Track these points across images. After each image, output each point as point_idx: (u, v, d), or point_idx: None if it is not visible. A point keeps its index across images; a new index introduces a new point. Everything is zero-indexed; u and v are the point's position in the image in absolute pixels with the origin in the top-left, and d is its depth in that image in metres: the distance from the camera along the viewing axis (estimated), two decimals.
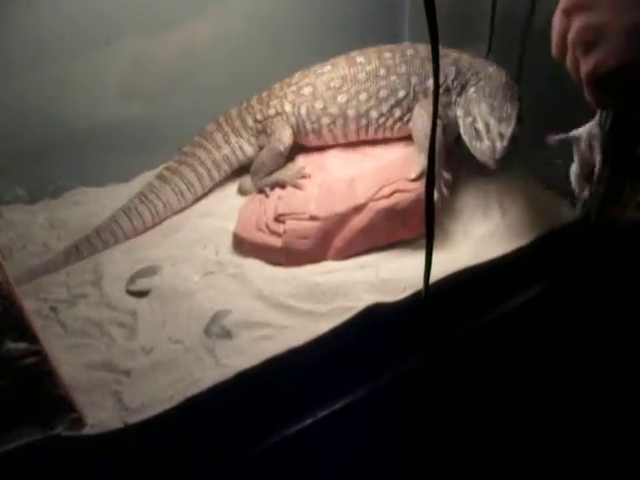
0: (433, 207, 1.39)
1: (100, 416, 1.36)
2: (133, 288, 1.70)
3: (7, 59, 1.83)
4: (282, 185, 1.87)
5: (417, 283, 1.57)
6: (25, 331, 1.26)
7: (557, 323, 1.84)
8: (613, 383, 1.92)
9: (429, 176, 1.33)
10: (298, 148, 2.00)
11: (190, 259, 1.78)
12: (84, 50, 1.92)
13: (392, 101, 1.85)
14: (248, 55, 2.15)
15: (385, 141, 1.92)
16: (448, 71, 1.81)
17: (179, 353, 1.52)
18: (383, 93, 1.85)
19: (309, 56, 2.06)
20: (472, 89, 1.76)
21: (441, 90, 1.80)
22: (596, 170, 1.42)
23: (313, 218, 1.73)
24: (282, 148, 1.92)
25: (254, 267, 1.74)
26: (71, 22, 1.86)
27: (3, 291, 1.25)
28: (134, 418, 1.34)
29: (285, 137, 1.92)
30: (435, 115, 1.24)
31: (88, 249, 1.84)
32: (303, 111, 1.91)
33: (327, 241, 1.74)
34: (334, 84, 1.88)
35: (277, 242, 1.74)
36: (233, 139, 2.02)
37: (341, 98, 1.87)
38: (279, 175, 1.88)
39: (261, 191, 1.90)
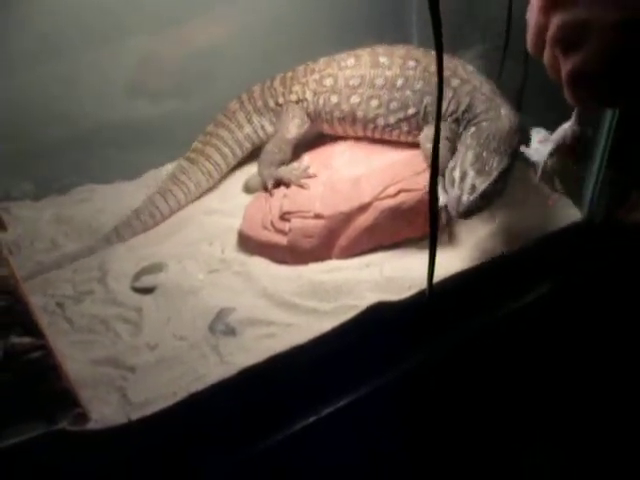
0: (437, 207, 1.39)
1: (104, 411, 1.37)
2: (138, 285, 1.71)
3: (13, 56, 1.84)
4: (286, 184, 1.87)
5: (422, 282, 1.56)
6: (30, 326, 1.27)
7: (560, 323, 1.84)
8: (615, 384, 1.92)
9: (432, 177, 1.34)
10: (304, 146, 2.01)
11: (196, 256, 1.79)
12: (90, 47, 1.93)
13: (401, 115, 1.84)
14: (256, 53, 2.15)
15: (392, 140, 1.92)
16: (462, 101, 1.78)
17: (183, 350, 1.53)
18: (394, 105, 1.85)
19: (317, 53, 2.08)
20: (473, 129, 1.74)
21: (450, 119, 1.79)
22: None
23: (318, 216, 1.73)
24: (289, 137, 1.94)
25: (259, 265, 1.75)
26: (77, 19, 1.87)
27: (9, 287, 1.26)
28: (138, 413, 1.35)
29: (293, 127, 1.94)
30: (439, 112, 1.23)
31: (128, 232, 1.91)
32: (321, 101, 1.93)
33: (332, 240, 1.74)
34: (352, 82, 1.89)
35: (282, 240, 1.75)
36: (255, 118, 2.04)
37: (354, 99, 1.88)
38: (285, 173, 1.89)
39: (265, 189, 1.91)
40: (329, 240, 1.74)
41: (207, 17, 2.07)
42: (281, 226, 1.76)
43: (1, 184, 1.94)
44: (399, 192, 1.75)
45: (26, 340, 1.26)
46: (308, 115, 1.96)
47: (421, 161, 1.82)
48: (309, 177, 1.86)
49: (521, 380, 1.85)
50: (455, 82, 1.79)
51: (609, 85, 0.87)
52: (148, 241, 1.88)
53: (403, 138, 1.88)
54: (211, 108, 2.12)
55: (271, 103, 2.02)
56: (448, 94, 1.78)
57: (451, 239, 1.76)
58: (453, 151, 1.75)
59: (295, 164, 1.93)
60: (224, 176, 2.10)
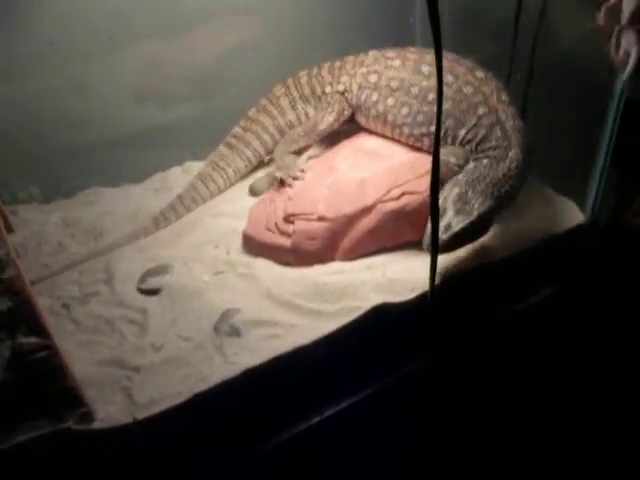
0: (437, 210, 1.41)
1: (110, 411, 1.38)
2: (144, 286, 1.73)
3: (23, 60, 1.87)
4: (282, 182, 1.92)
5: (424, 284, 1.59)
6: (36, 326, 1.29)
7: (563, 325, 1.85)
8: (618, 384, 1.93)
9: (434, 178, 1.36)
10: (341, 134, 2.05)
11: (201, 258, 1.81)
12: (98, 52, 1.96)
13: (424, 130, 1.85)
14: (263, 58, 2.18)
15: (398, 142, 1.94)
16: (480, 132, 1.78)
17: (188, 350, 1.54)
18: (420, 118, 1.85)
19: (326, 54, 2.11)
20: (472, 164, 1.74)
21: (467, 146, 1.79)
22: None
23: (321, 219, 1.75)
24: (321, 127, 1.98)
25: (263, 267, 1.76)
26: (87, 23, 1.90)
27: (16, 287, 1.28)
28: (143, 413, 1.37)
29: (328, 119, 1.97)
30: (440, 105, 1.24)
31: (173, 215, 1.99)
32: (363, 96, 1.95)
33: (335, 242, 1.76)
34: (393, 84, 1.90)
35: (286, 242, 1.76)
36: (300, 105, 2.07)
37: (389, 101, 1.90)
38: (282, 164, 1.94)
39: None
40: (332, 242, 1.75)
41: (216, 23, 2.10)
42: (285, 228, 1.77)
43: (8, 187, 1.96)
44: (402, 195, 1.77)
45: (33, 340, 1.27)
46: (350, 106, 1.98)
47: (424, 164, 1.82)
48: (294, 178, 1.89)
49: (526, 381, 1.86)
50: (482, 110, 1.78)
51: None
52: (154, 243, 1.90)
53: (425, 149, 1.88)
54: (218, 112, 2.16)
55: (318, 91, 2.04)
56: (471, 121, 1.78)
57: None
58: None
59: (298, 160, 1.97)
60: None
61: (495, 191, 1.65)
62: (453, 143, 1.82)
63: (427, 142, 1.86)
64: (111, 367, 1.51)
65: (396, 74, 1.90)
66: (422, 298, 1.60)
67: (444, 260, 1.64)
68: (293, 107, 2.07)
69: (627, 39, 1.49)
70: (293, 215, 1.77)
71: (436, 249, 1.46)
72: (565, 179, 1.89)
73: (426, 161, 1.84)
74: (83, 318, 1.64)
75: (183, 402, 1.39)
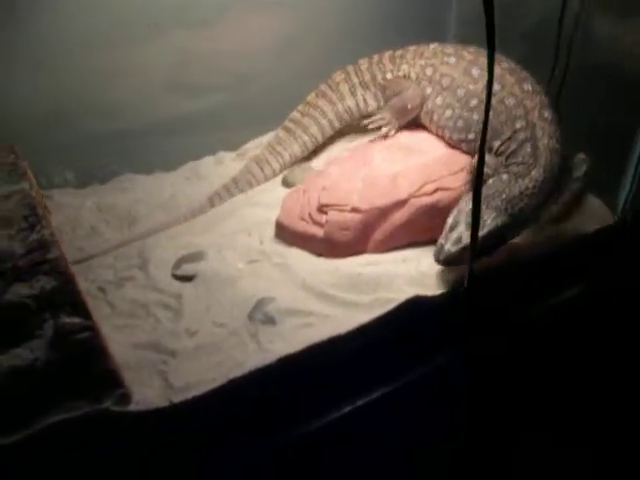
0: (479, 203, 1.41)
1: (146, 394, 1.39)
2: (179, 272, 1.74)
3: (58, 49, 1.89)
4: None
5: (457, 278, 1.61)
6: (79, 307, 1.32)
7: (591, 324, 1.86)
8: None
9: (478, 172, 1.36)
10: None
11: (235, 247, 1.82)
12: (134, 41, 1.98)
13: (462, 136, 1.86)
14: (298, 52, 2.21)
15: (431, 139, 1.95)
16: (512, 146, 1.77)
17: (223, 337, 1.55)
18: (460, 124, 1.87)
19: (358, 50, 2.12)
20: (491, 180, 1.72)
21: (500, 158, 1.79)
22: None
23: (355, 210, 1.76)
24: (409, 106, 1.96)
25: (297, 257, 1.78)
26: (120, 13, 1.92)
27: (60, 267, 1.31)
28: (179, 397, 1.37)
29: (417, 98, 1.96)
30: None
31: (227, 195, 2.02)
32: (421, 87, 1.96)
33: (367, 234, 1.77)
34: (444, 82, 1.91)
35: (319, 232, 1.78)
36: (359, 92, 2.08)
37: (438, 100, 1.92)
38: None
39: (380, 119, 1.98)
40: (364, 234, 1.77)
41: (251, 14, 2.12)
42: (318, 218, 1.78)
43: (44, 172, 1.97)
44: (436, 190, 1.78)
45: (75, 320, 1.30)
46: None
47: (458, 161, 1.85)
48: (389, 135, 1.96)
49: (552, 379, 1.86)
50: (519, 124, 1.77)
51: None
52: (188, 231, 1.91)
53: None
54: (251, 103, 2.17)
55: (379, 77, 2.06)
56: (507, 133, 1.78)
57: None
58: None
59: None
60: None
61: (509, 208, 1.65)
62: (488, 153, 1.80)
63: (464, 148, 1.87)
64: (147, 351, 1.52)
65: (449, 71, 1.91)
66: (456, 293, 1.61)
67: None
68: (352, 93, 2.08)
69: None
70: (327, 205, 1.78)
71: (475, 243, 1.46)
72: (596, 179, 1.90)
73: (460, 158, 1.87)
74: (119, 302, 1.66)
75: (218, 387, 1.39)
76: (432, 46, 2.00)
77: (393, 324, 1.56)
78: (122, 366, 1.39)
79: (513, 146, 1.76)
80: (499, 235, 1.64)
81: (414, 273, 1.69)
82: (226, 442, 1.47)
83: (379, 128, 1.97)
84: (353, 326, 1.52)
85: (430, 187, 1.78)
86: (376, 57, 2.07)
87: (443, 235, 1.62)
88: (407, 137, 1.97)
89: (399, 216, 1.77)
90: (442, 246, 1.60)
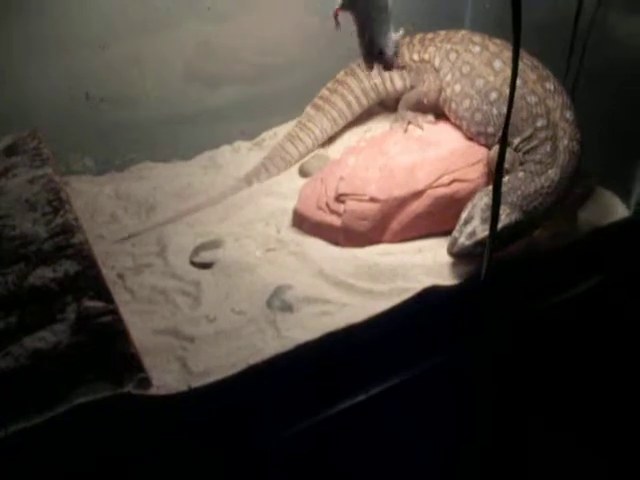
0: (499, 194, 1.42)
1: (166, 379, 1.41)
2: (197, 260, 1.76)
3: (77, 38, 1.91)
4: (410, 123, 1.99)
5: (474, 269, 1.62)
6: (102, 291, 1.34)
7: (606, 317, 1.86)
8: None
9: (499, 164, 1.37)
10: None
11: (252, 235, 1.83)
12: (153, 31, 2.00)
13: (481, 129, 1.86)
14: (312, 43, 2.21)
15: (449, 129, 1.95)
16: (532, 143, 1.76)
17: (242, 323, 1.57)
18: (478, 116, 1.86)
19: None
20: (507, 177, 1.70)
21: (519, 154, 1.79)
22: None
23: (373, 200, 1.77)
24: (425, 100, 2.00)
25: (314, 245, 1.79)
26: (141, 2, 1.94)
27: (84, 252, 1.32)
28: (198, 382, 1.39)
29: (432, 92, 1.98)
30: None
31: (265, 175, 2.08)
32: (441, 74, 1.97)
33: (385, 224, 1.78)
34: (464, 70, 1.91)
35: (336, 221, 1.79)
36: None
37: (457, 88, 1.91)
38: (411, 117, 1.99)
39: (402, 118, 2.02)
40: (382, 224, 1.78)
41: (270, 7, 2.13)
42: (336, 207, 1.79)
43: (63, 158, 1.98)
44: (453, 181, 1.79)
45: (98, 304, 1.31)
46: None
47: (475, 153, 1.85)
48: (430, 123, 1.98)
49: (571, 371, 1.87)
50: (540, 123, 1.76)
51: None
52: (205, 219, 1.92)
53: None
54: (268, 94, 2.21)
55: (406, 57, 2.06)
56: (528, 131, 1.77)
57: None
58: None
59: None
60: None
61: (524, 205, 1.66)
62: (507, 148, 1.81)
63: (482, 141, 1.86)
64: (166, 336, 1.54)
65: (470, 59, 1.90)
66: (472, 283, 1.62)
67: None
68: (380, 71, 2.07)
69: None
70: (345, 195, 1.79)
71: (494, 235, 1.47)
72: (610, 173, 1.90)
73: (477, 150, 1.87)
74: (138, 288, 1.68)
75: (237, 373, 1.41)
76: (462, 32, 1.99)
77: (410, 313, 1.57)
78: (142, 351, 1.40)
79: (533, 143, 1.76)
80: (512, 231, 1.64)
81: (431, 263, 1.70)
82: (244, 428, 1.48)
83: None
84: (370, 314, 1.53)
85: (447, 178, 1.79)
86: (408, 38, 2.07)
87: (457, 228, 1.64)
88: (424, 128, 1.97)
89: (416, 207, 1.78)
90: (456, 239, 1.62)
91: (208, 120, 2.17)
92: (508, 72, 1.73)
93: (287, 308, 1.59)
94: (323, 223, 1.81)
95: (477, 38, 1.94)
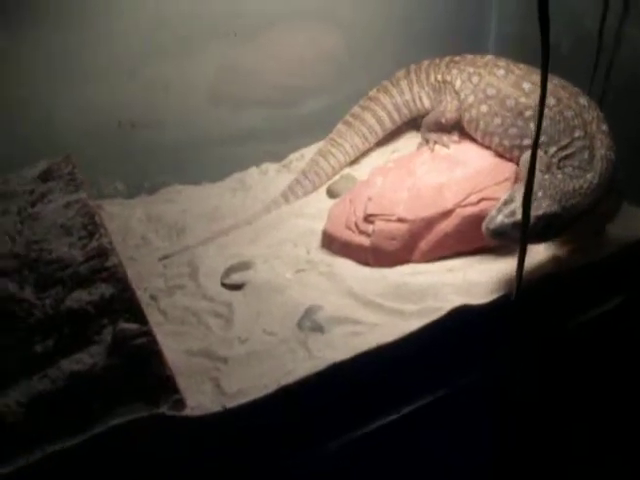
0: (529, 215, 1.43)
1: (200, 399, 1.43)
2: (228, 281, 1.78)
3: (106, 64, 1.96)
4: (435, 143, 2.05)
5: (503, 288, 1.63)
6: (136, 313, 1.37)
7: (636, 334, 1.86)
8: None
9: (528, 182, 1.38)
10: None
11: (282, 257, 1.86)
12: (179, 55, 2.04)
13: (516, 142, 1.88)
14: (336, 66, 2.28)
15: (475, 149, 1.97)
16: (570, 151, 1.79)
17: (273, 344, 1.59)
18: (513, 131, 1.89)
19: (396, 66, 2.19)
20: (547, 176, 1.73)
21: (554, 159, 1.81)
22: None
23: (401, 220, 1.79)
24: (443, 120, 2.04)
25: (344, 266, 1.81)
26: (168, 27, 1.98)
27: (118, 274, 1.35)
28: (232, 403, 1.40)
29: (448, 112, 2.04)
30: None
31: (300, 191, 2.13)
32: (462, 96, 2.01)
33: (413, 243, 1.79)
34: (489, 92, 1.95)
35: (365, 241, 1.81)
36: (416, 88, 2.15)
37: (483, 108, 1.95)
38: (435, 137, 2.06)
39: (427, 141, 2.08)
40: (411, 244, 1.79)
41: (295, 30, 2.19)
42: (365, 228, 1.81)
43: (94, 182, 2.02)
44: (481, 200, 1.80)
45: (133, 326, 1.34)
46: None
47: (502, 171, 1.87)
48: (455, 142, 2.04)
49: (602, 386, 1.87)
50: (578, 134, 1.79)
51: None
52: (234, 241, 1.95)
53: (512, 159, 1.92)
54: (294, 118, 2.26)
55: (432, 78, 2.12)
56: (565, 141, 1.79)
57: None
58: None
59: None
60: None
61: (563, 200, 1.66)
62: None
63: (517, 153, 1.88)
64: (200, 357, 1.56)
65: (495, 82, 1.94)
66: (502, 301, 1.62)
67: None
68: (410, 89, 2.15)
69: None
70: (373, 215, 1.81)
71: (524, 253, 1.48)
72: (638, 189, 1.90)
73: (504, 168, 1.89)
74: (170, 309, 1.71)
75: (269, 393, 1.42)
76: (487, 57, 2.04)
77: (441, 332, 1.57)
78: (175, 372, 1.42)
79: (570, 150, 1.78)
80: (549, 222, 1.64)
81: (460, 282, 1.70)
82: (276, 448, 1.49)
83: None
84: (400, 334, 1.53)
85: (475, 197, 1.80)
86: (437, 59, 2.13)
87: (497, 207, 1.64)
88: (452, 148, 2.01)
89: (445, 226, 1.79)
90: (494, 217, 1.61)
91: (236, 142, 2.21)
92: (537, 90, 1.75)
93: (318, 329, 1.61)
94: (352, 243, 1.82)
95: (502, 63, 1.98)
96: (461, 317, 1.57)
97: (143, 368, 1.34)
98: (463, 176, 1.86)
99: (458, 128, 2.07)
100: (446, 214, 1.79)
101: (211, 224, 2.01)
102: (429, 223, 1.79)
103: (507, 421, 1.81)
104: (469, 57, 2.07)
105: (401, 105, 2.17)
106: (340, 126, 2.19)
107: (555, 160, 1.80)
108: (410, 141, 2.23)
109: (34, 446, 1.26)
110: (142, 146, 2.07)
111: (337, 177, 2.16)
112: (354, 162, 2.22)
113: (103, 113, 2.00)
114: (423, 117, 2.16)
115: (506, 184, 1.83)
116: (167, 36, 1.99)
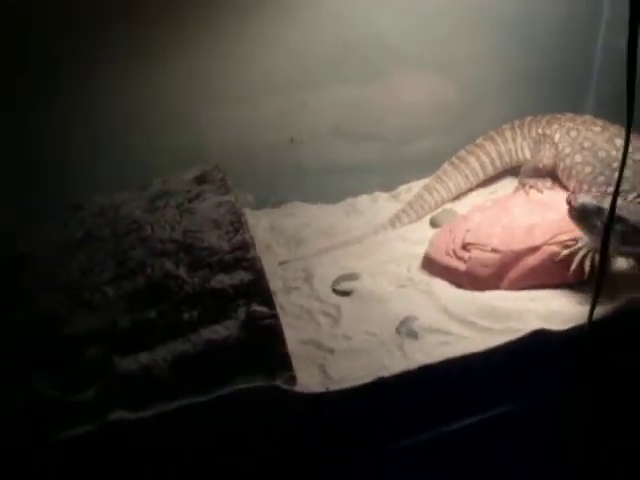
0: (607, 253, 1.60)
1: (307, 381, 1.65)
2: (338, 288, 2.04)
3: (240, 90, 2.25)
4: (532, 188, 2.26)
5: (581, 318, 1.77)
6: (267, 299, 1.60)
7: None
8: None
9: (607, 228, 1.56)
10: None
11: (385, 273, 2.09)
12: (308, 88, 2.33)
13: (602, 189, 2.04)
14: (447, 110, 2.51)
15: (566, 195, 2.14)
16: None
17: (373, 344, 1.81)
18: (601, 179, 2.07)
19: (501, 114, 2.42)
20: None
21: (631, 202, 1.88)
22: None
23: (494, 251, 1.99)
24: (540, 165, 2.30)
25: (440, 286, 2.02)
26: (298, 62, 2.28)
27: (256, 265, 1.60)
28: (335, 386, 1.61)
29: (545, 158, 2.28)
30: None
31: (406, 219, 2.37)
32: (560, 147, 2.25)
33: (503, 272, 1.99)
34: (585, 144, 2.17)
35: (461, 266, 2.03)
36: (519, 139, 2.40)
37: (577, 158, 2.17)
38: (532, 182, 2.27)
39: (523, 185, 2.30)
40: (501, 272, 1.99)
41: (414, 75, 2.44)
42: (462, 254, 2.03)
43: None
44: (566, 241, 1.97)
45: (264, 309, 1.58)
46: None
47: None
48: (547, 188, 2.25)
49: None
50: None
51: None
52: (345, 256, 2.20)
53: None
54: (406, 154, 2.51)
55: (533, 132, 2.37)
56: None
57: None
58: None
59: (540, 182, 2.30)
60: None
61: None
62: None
63: None
64: (310, 346, 1.80)
65: (591, 136, 2.16)
66: (578, 330, 1.76)
67: (601, 303, 1.77)
68: (514, 139, 2.40)
69: None
70: (470, 244, 2.03)
71: (600, 284, 1.64)
72: None
73: None
74: (287, 305, 1.96)
75: (368, 382, 1.60)
76: (586, 116, 2.26)
77: (519, 350, 1.74)
78: (290, 356, 1.63)
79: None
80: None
81: (542, 311, 1.86)
82: (368, 432, 1.69)
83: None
84: (484, 347, 1.70)
85: (562, 237, 1.97)
86: (540, 115, 2.36)
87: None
88: (545, 194, 2.22)
89: (532, 260, 1.97)
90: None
91: (352, 171, 2.47)
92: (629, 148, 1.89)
93: (413, 335, 1.81)
94: (450, 267, 2.04)
95: (599, 122, 2.21)
96: (538, 339, 1.72)
97: (267, 345, 1.55)
98: (553, 219, 2.03)
99: (552, 177, 2.27)
100: (534, 249, 1.97)
101: (326, 239, 2.27)
102: (518, 255, 1.97)
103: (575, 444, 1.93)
104: (569, 115, 2.29)
105: (504, 153, 2.41)
106: (446, 166, 2.43)
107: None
108: (507, 185, 2.45)
109: (172, 397, 1.46)
110: (272, 166, 2.35)
111: (439, 210, 2.40)
112: (455, 199, 2.45)
113: (246, 133, 2.29)
114: (522, 166, 2.37)
115: None
116: (301, 71, 2.28)
